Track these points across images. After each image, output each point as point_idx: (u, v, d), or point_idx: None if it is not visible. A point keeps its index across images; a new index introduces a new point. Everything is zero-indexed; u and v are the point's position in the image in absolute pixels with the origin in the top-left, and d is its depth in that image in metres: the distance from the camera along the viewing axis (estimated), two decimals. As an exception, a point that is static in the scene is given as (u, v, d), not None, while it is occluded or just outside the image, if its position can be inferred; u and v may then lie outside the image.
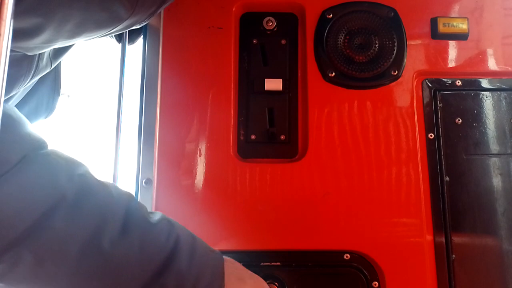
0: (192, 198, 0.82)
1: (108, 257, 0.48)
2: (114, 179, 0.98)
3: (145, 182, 0.91)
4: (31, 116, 0.93)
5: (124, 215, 0.51)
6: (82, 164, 0.54)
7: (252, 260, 0.80)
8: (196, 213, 0.81)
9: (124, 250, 0.49)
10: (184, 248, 0.54)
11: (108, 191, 0.52)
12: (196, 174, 0.82)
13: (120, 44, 1.10)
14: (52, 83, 0.95)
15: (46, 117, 0.98)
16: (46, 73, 0.89)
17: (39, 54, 0.66)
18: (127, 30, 1.08)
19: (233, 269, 0.62)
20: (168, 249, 0.53)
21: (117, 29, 0.71)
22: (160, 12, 0.89)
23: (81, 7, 0.55)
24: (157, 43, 0.91)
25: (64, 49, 0.82)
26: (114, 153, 1.00)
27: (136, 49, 1.13)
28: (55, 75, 0.95)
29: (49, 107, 0.97)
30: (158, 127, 0.84)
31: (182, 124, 0.84)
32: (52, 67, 0.82)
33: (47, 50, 0.73)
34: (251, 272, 0.66)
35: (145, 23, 0.78)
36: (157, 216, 0.56)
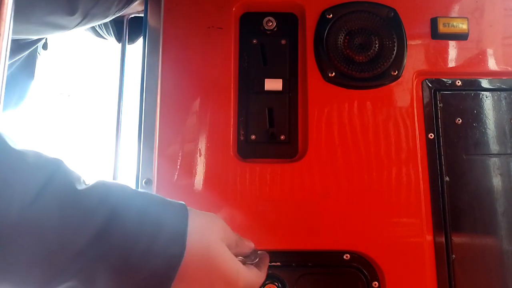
0: (192, 198, 0.82)
1: (16, 227, 0.45)
2: (114, 179, 0.98)
3: (145, 182, 0.90)
4: None
5: (42, 184, 0.48)
6: None
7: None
8: (196, 213, 0.81)
9: (37, 220, 0.46)
10: (125, 211, 0.51)
11: (21, 159, 0.48)
12: (196, 174, 0.82)
13: (120, 44, 1.10)
14: (27, 71, 0.94)
15: (15, 107, 0.97)
16: (21, 62, 0.88)
17: None
18: (127, 30, 1.08)
19: (199, 228, 0.57)
20: (101, 215, 0.49)
21: (70, 31, 0.72)
22: (160, 12, 0.89)
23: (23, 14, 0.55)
24: (157, 43, 0.91)
25: (26, 45, 0.82)
26: (114, 153, 1.00)
27: (136, 49, 1.14)
28: (31, 62, 0.94)
29: (22, 96, 0.96)
30: (158, 127, 0.84)
31: (182, 124, 0.84)
32: (10, 61, 0.82)
33: None
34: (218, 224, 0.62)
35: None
36: (89, 184, 0.52)
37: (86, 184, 0.52)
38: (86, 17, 0.69)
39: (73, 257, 0.48)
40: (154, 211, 0.54)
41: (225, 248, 0.58)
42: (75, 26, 0.71)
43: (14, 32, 0.68)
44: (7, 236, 0.45)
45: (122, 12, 0.80)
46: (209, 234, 0.57)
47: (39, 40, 0.86)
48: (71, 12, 0.65)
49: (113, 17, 0.79)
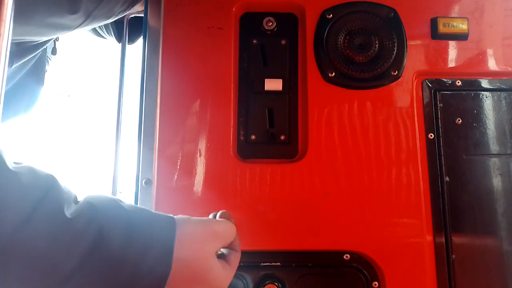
0: (192, 199, 0.82)
1: (7, 251, 0.46)
2: (114, 179, 0.98)
3: (145, 182, 0.90)
4: (11, 112, 0.93)
5: (33, 206, 0.48)
6: None
7: (252, 260, 0.80)
8: (196, 214, 0.81)
9: (27, 244, 0.47)
10: (111, 233, 0.52)
11: (15, 180, 0.48)
12: (196, 174, 0.82)
13: (120, 44, 1.10)
14: (35, 77, 0.95)
15: (26, 113, 0.97)
16: (30, 67, 0.89)
17: None
18: (127, 30, 1.08)
19: (186, 232, 0.58)
20: (88, 239, 0.50)
21: (73, 32, 0.73)
22: (160, 12, 0.89)
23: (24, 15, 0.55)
24: (157, 43, 0.91)
25: (31, 48, 0.82)
26: (114, 153, 1.00)
27: (136, 49, 1.14)
28: (39, 67, 0.95)
29: (31, 102, 0.97)
30: (158, 127, 0.84)
31: (182, 124, 0.84)
32: (14, 65, 0.82)
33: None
34: (204, 225, 0.62)
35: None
36: (78, 205, 0.53)
37: (76, 202, 0.53)
38: (89, 17, 0.70)
39: (62, 280, 0.49)
40: (140, 230, 0.55)
41: (213, 260, 0.59)
42: (77, 27, 0.71)
43: (15, 35, 0.68)
44: None
45: (125, 13, 0.81)
46: (198, 246, 0.59)
47: (44, 43, 0.86)
48: (73, 10, 0.65)
49: (116, 18, 0.79)
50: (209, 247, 0.60)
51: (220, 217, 0.68)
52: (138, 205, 0.59)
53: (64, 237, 0.49)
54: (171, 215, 0.60)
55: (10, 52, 0.77)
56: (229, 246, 0.66)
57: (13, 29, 0.65)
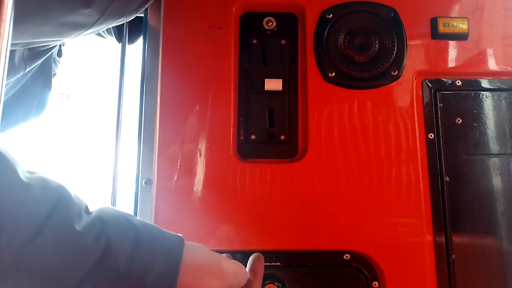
0: (192, 198, 0.82)
1: (15, 264, 0.47)
2: (114, 179, 0.98)
3: (145, 182, 0.91)
4: (21, 116, 0.93)
5: (43, 219, 0.49)
6: (8, 160, 0.50)
7: (252, 260, 0.80)
8: (196, 213, 0.81)
9: (35, 257, 0.48)
10: (119, 248, 0.52)
11: (27, 192, 0.49)
12: (196, 174, 0.82)
13: (120, 44, 1.10)
14: (43, 79, 0.95)
15: (36, 116, 0.98)
16: (36, 70, 0.89)
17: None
18: (127, 30, 1.08)
19: (192, 259, 0.57)
20: (96, 253, 0.51)
21: (84, 35, 0.72)
22: (160, 12, 0.89)
23: (40, 15, 0.55)
24: (157, 43, 0.91)
25: (42, 52, 0.83)
26: (114, 153, 1.00)
27: (136, 49, 1.14)
28: (46, 70, 0.95)
29: (41, 105, 0.97)
30: (158, 127, 0.84)
31: (182, 124, 0.84)
32: (27, 69, 0.82)
33: (19, 50, 0.74)
34: (214, 259, 0.60)
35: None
36: (88, 218, 0.53)
37: (88, 214, 0.54)
38: (103, 14, 0.69)
39: None
40: (148, 246, 0.55)
41: None
42: (93, 25, 0.71)
43: (34, 37, 0.68)
44: (4, 272, 0.46)
45: (139, 13, 0.80)
46: (202, 277, 0.57)
47: (54, 47, 0.86)
48: (86, 5, 0.64)
49: (129, 17, 0.79)
50: (211, 283, 0.58)
51: (253, 260, 0.67)
52: (148, 222, 0.60)
53: (73, 250, 0.50)
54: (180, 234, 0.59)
55: (24, 56, 0.77)
56: None
57: (31, 31, 0.65)
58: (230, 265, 0.60)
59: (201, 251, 0.60)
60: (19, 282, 0.48)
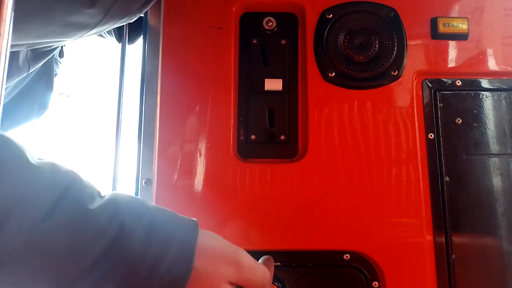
0: (192, 198, 0.82)
1: (27, 245, 0.46)
2: (114, 179, 0.98)
3: (145, 182, 0.90)
4: (23, 116, 0.93)
5: (54, 201, 0.48)
6: (17, 145, 0.50)
7: (252, 260, 0.80)
8: (196, 213, 0.81)
9: (47, 238, 0.47)
10: (133, 230, 0.51)
11: (37, 175, 0.49)
12: (196, 174, 0.82)
13: (120, 44, 1.10)
14: (45, 80, 0.95)
15: (38, 117, 0.98)
16: (39, 71, 0.89)
17: (12, 54, 0.66)
18: (127, 30, 1.08)
19: (207, 244, 0.56)
20: (110, 234, 0.50)
21: (88, 35, 0.72)
22: (160, 12, 0.89)
23: (44, 15, 0.55)
24: (157, 43, 0.91)
25: (45, 53, 0.83)
26: (114, 153, 1.00)
27: (136, 49, 1.14)
28: (47, 71, 0.95)
29: (42, 106, 0.97)
30: (158, 127, 0.84)
31: (182, 124, 0.84)
32: (30, 70, 0.82)
33: (23, 51, 0.74)
34: (230, 247, 0.59)
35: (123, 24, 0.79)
36: (100, 200, 0.53)
37: (100, 197, 0.53)
38: (107, 14, 0.69)
39: (81, 275, 0.49)
40: (162, 229, 0.54)
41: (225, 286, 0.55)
42: (97, 25, 0.71)
43: (38, 36, 0.68)
44: (16, 253, 0.46)
45: (142, 13, 0.80)
46: (217, 263, 0.56)
47: (57, 48, 0.86)
48: (90, 4, 0.64)
49: (133, 18, 0.79)
50: (226, 270, 0.56)
51: (263, 262, 0.63)
52: (163, 208, 0.59)
53: (86, 231, 0.49)
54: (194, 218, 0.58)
55: (27, 57, 0.77)
56: None
57: (36, 31, 0.65)
58: (249, 259, 0.58)
59: (217, 238, 0.59)
60: (32, 263, 0.47)
